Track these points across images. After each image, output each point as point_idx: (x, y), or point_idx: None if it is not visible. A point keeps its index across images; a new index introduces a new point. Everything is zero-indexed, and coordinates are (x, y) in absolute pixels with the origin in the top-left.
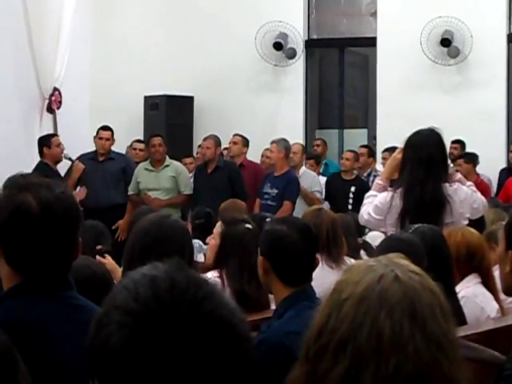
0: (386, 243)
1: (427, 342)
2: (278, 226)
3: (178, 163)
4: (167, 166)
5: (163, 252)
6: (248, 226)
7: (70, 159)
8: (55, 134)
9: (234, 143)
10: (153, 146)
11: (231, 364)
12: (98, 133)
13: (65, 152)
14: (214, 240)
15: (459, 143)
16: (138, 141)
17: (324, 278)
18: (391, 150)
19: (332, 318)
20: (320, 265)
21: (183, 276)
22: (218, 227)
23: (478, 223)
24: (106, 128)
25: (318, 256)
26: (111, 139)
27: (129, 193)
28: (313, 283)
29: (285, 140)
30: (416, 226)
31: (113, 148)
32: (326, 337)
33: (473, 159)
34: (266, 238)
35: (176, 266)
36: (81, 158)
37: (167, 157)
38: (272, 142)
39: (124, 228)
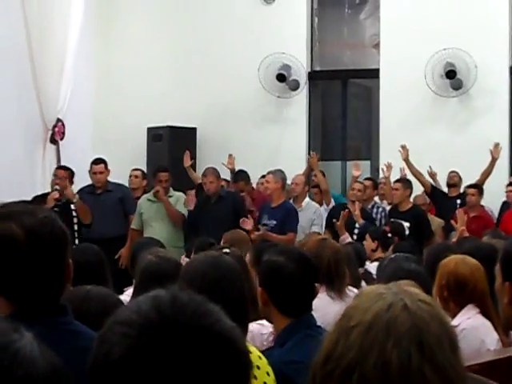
0: (393, 272)
1: (435, 374)
2: (276, 256)
3: (180, 193)
4: (170, 197)
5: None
6: (226, 250)
7: (57, 190)
8: (59, 167)
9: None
10: (159, 182)
11: (230, 376)
12: (91, 167)
13: (56, 186)
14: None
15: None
16: (135, 169)
17: (325, 309)
18: (403, 181)
19: (339, 344)
20: (320, 295)
21: (185, 294)
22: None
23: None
24: (97, 162)
25: (318, 285)
26: (105, 171)
27: (132, 226)
28: (314, 313)
29: (281, 171)
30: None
31: (115, 180)
32: (333, 363)
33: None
34: (264, 269)
35: (179, 288)
36: (79, 191)
37: (171, 189)
38: (268, 173)
39: (125, 255)
